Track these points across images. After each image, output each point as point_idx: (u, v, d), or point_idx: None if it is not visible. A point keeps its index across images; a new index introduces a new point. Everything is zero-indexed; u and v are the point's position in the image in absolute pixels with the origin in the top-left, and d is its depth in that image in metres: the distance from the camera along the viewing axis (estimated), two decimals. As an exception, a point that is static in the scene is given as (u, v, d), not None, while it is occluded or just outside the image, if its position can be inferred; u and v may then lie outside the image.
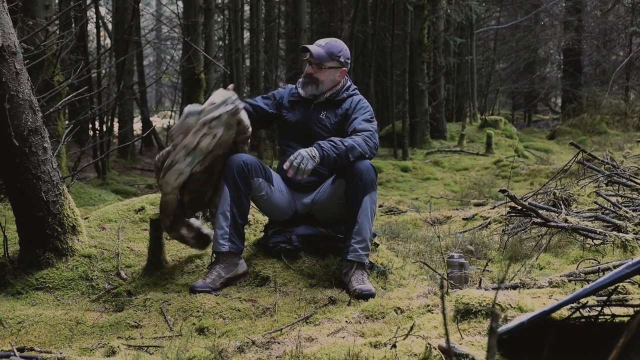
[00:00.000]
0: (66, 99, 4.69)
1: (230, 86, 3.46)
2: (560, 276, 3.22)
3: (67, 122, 9.37)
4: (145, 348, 2.77)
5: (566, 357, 2.18)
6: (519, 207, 4.30)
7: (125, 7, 13.52)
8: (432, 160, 11.39)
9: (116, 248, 3.80)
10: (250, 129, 3.48)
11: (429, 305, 3.02)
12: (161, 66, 22.09)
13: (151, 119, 20.63)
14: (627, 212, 4.30)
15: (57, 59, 6.17)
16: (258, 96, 3.81)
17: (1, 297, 3.41)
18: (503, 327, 2.22)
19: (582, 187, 5.39)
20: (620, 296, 2.80)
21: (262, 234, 3.90)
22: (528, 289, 3.09)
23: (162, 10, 22.18)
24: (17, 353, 2.58)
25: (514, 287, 3.13)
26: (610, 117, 15.66)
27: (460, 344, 2.37)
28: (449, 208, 6.91)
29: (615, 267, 3.17)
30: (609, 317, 2.45)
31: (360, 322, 2.97)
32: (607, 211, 4.44)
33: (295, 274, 3.55)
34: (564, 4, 20.94)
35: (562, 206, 4.69)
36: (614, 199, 4.70)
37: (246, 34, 17.92)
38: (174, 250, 3.88)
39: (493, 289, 3.17)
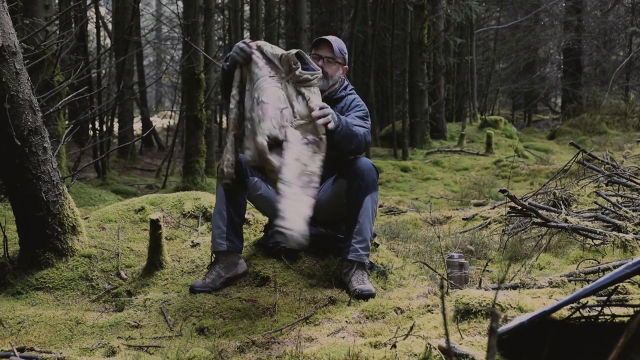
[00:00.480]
0: (66, 99, 4.69)
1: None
2: (560, 276, 3.22)
3: (67, 122, 9.37)
4: (145, 348, 2.77)
5: (566, 357, 2.18)
6: (519, 207, 4.30)
7: (125, 7, 13.52)
8: (432, 160, 11.39)
9: (116, 248, 3.80)
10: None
11: (429, 305, 3.02)
12: (161, 66, 22.10)
13: (151, 119, 20.66)
14: (627, 212, 4.30)
15: (57, 59, 6.17)
16: None
17: (1, 297, 3.41)
18: (503, 327, 2.22)
19: (582, 187, 5.39)
20: (620, 296, 2.80)
21: (262, 234, 3.90)
22: (528, 289, 3.09)
23: (162, 10, 22.19)
24: (17, 353, 2.58)
25: (514, 287, 3.13)
26: (610, 117, 15.66)
27: (460, 344, 2.37)
28: (449, 208, 6.91)
29: (615, 267, 3.17)
30: (609, 317, 2.45)
31: (360, 322, 2.97)
32: (607, 211, 4.44)
33: (295, 274, 3.55)
34: (564, 4, 20.94)
35: (562, 206, 4.69)
36: (614, 199, 4.70)
37: (246, 34, 17.92)
38: (174, 250, 3.88)
39: (493, 289, 3.17)
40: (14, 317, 3.13)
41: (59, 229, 3.57)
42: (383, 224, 5.57)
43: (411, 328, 2.68)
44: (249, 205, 3.66)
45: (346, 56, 3.63)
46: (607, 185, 5.37)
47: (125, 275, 3.62)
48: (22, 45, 4.16)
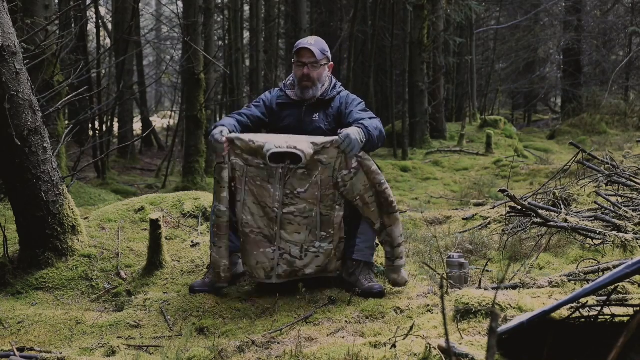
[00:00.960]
0: (66, 99, 4.69)
1: None
2: (560, 276, 3.22)
3: (67, 122, 9.37)
4: (145, 348, 2.77)
5: (566, 357, 2.18)
6: (519, 207, 4.30)
7: (125, 7, 13.51)
8: (431, 160, 11.39)
9: (116, 248, 3.80)
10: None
11: (428, 305, 3.02)
12: (161, 66, 22.09)
13: (151, 119, 20.65)
14: (627, 212, 4.30)
15: (57, 59, 6.17)
16: (250, 105, 3.64)
17: (1, 297, 3.41)
18: (503, 327, 2.22)
19: (582, 187, 5.39)
20: (620, 296, 2.80)
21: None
22: (528, 289, 3.09)
23: (162, 10, 22.18)
24: (17, 353, 2.58)
25: (514, 287, 3.13)
26: (610, 117, 15.65)
27: (460, 343, 2.37)
28: (449, 208, 6.91)
29: (615, 267, 3.17)
30: (609, 317, 2.45)
31: (360, 322, 2.97)
32: (606, 211, 4.44)
33: (295, 274, 3.54)
34: (563, 4, 20.93)
35: (562, 206, 4.69)
36: (613, 199, 4.70)
37: (246, 34, 17.92)
38: (174, 250, 3.88)
39: (493, 289, 3.17)
40: (14, 317, 3.13)
41: (59, 229, 3.57)
42: (383, 224, 5.55)
43: (411, 328, 2.68)
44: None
45: (329, 54, 3.55)
46: (607, 185, 5.37)
47: (125, 275, 3.62)
48: (22, 45, 4.16)
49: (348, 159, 3.15)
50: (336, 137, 3.16)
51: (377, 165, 3.38)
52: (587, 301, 2.55)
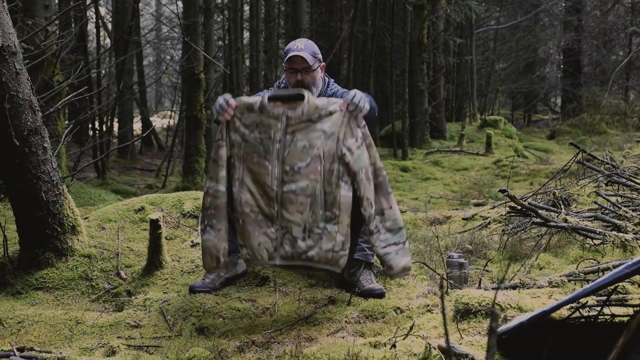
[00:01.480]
0: (66, 99, 4.69)
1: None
2: (560, 276, 3.22)
3: (67, 122, 9.36)
4: (145, 348, 2.77)
5: (566, 357, 2.19)
6: (519, 207, 4.30)
7: (125, 7, 13.51)
8: (431, 160, 11.39)
9: (116, 248, 3.80)
10: None
11: (428, 305, 3.02)
12: (161, 66, 22.09)
13: (151, 119, 20.65)
14: (626, 212, 4.30)
15: (57, 59, 6.18)
16: None
17: (1, 297, 3.41)
18: (503, 327, 2.22)
19: (581, 187, 5.38)
20: (620, 296, 2.80)
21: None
22: (528, 289, 3.09)
23: (162, 10, 22.18)
24: (17, 353, 2.58)
25: (514, 287, 3.13)
26: (610, 117, 15.65)
27: (460, 343, 2.37)
28: (449, 208, 6.91)
29: (615, 267, 3.17)
30: (609, 317, 2.45)
31: (359, 322, 2.97)
32: (606, 211, 4.44)
33: (295, 274, 3.55)
34: (563, 4, 20.94)
35: (562, 206, 4.69)
36: (613, 199, 4.70)
37: (246, 34, 17.92)
38: (174, 250, 3.89)
39: (493, 288, 3.17)
40: (14, 317, 3.13)
41: (59, 229, 3.57)
42: (383, 224, 5.55)
43: (411, 328, 2.68)
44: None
45: (320, 55, 3.45)
46: (606, 185, 5.37)
47: (125, 275, 3.62)
48: (22, 45, 4.16)
49: (355, 124, 2.96)
50: (337, 101, 3.02)
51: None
52: (587, 301, 2.55)
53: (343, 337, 2.78)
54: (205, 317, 3.08)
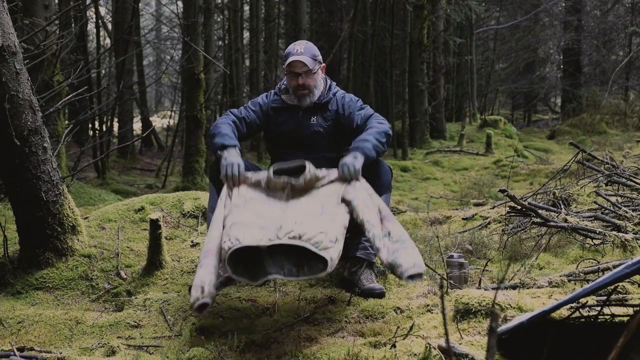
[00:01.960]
0: (66, 99, 4.69)
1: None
2: (560, 276, 3.22)
3: (67, 122, 9.37)
4: (145, 348, 2.77)
5: (566, 357, 2.19)
6: (519, 207, 4.30)
7: (125, 7, 13.51)
8: (431, 160, 11.39)
9: (116, 248, 3.81)
10: None
11: (428, 305, 3.02)
12: (161, 66, 22.09)
13: (151, 119, 20.65)
14: (626, 212, 4.30)
15: (57, 59, 6.18)
16: (248, 108, 3.54)
17: (1, 297, 3.41)
18: (503, 327, 2.22)
19: (581, 187, 5.38)
20: (620, 296, 2.80)
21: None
22: (528, 288, 3.09)
23: (162, 10, 22.18)
24: (17, 353, 2.58)
25: (514, 287, 3.13)
26: (610, 117, 15.65)
27: (460, 343, 2.37)
28: (449, 208, 6.91)
29: (614, 267, 3.17)
30: (609, 317, 2.45)
31: (359, 322, 2.97)
32: (606, 211, 4.44)
33: (295, 273, 3.55)
34: (563, 4, 20.94)
35: (562, 206, 4.69)
36: (613, 199, 4.70)
37: (246, 34, 17.92)
38: (174, 250, 3.89)
39: (493, 288, 3.17)
40: (14, 317, 3.13)
41: (59, 229, 3.57)
42: (383, 224, 5.55)
43: (411, 328, 2.68)
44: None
45: (320, 57, 3.46)
46: (606, 185, 5.36)
47: (125, 275, 3.62)
48: (22, 45, 4.16)
49: (353, 183, 3.05)
50: (337, 171, 3.08)
51: (391, 169, 3.41)
52: (587, 301, 2.55)
53: (343, 337, 2.78)
54: (205, 317, 3.08)
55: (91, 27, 14.78)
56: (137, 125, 17.90)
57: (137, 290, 3.49)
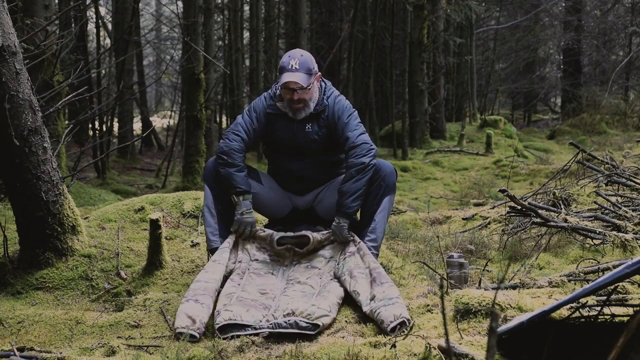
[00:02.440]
0: (66, 99, 4.69)
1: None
2: (560, 276, 3.22)
3: (67, 122, 9.37)
4: (145, 348, 2.77)
5: (566, 357, 2.19)
6: (519, 207, 4.30)
7: (125, 7, 13.52)
8: (431, 160, 11.39)
9: (116, 248, 3.80)
10: None
11: (428, 305, 3.02)
12: (161, 66, 22.08)
13: (151, 119, 20.65)
14: (626, 212, 4.30)
15: (57, 59, 6.18)
16: (251, 115, 3.53)
17: (1, 297, 3.41)
18: (503, 327, 2.22)
19: (581, 187, 5.38)
20: (620, 296, 2.80)
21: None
22: (528, 288, 3.09)
23: (162, 10, 22.17)
24: (17, 353, 2.58)
25: (514, 287, 3.13)
26: (610, 117, 15.65)
27: (460, 343, 2.37)
28: (449, 208, 6.91)
29: (614, 267, 3.17)
30: (609, 317, 2.45)
31: (360, 322, 2.97)
32: (606, 211, 4.44)
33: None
34: (563, 4, 20.93)
35: (562, 206, 4.69)
36: (613, 199, 4.70)
37: (246, 34, 17.92)
38: (174, 250, 3.89)
39: (493, 288, 3.17)
40: (14, 317, 3.13)
41: (59, 229, 3.57)
42: (383, 224, 5.55)
43: (411, 328, 2.68)
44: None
45: (315, 68, 3.42)
46: (606, 185, 5.36)
47: (125, 275, 3.62)
48: (22, 45, 4.16)
49: (346, 245, 3.40)
50: (330, 233, 3.44)
51: (396, 170, 3.56)
52: (587, 301, 2.55)
53: (343, 337, 2.78)
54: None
55: (91, 27, 14.78)
56: (137, 125, 17.90)
57: (137, 290, 3.49)
